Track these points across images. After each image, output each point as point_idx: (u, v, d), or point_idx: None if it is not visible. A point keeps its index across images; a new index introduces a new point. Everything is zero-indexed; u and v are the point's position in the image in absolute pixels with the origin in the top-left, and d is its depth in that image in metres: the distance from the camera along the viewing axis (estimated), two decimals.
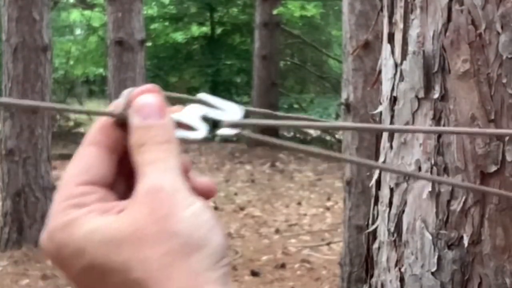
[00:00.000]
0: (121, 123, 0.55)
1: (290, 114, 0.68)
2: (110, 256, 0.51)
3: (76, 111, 0.61)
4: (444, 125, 0.84)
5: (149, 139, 0.53)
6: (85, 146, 0.55)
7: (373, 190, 1.17)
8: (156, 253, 0.50)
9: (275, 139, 0.58)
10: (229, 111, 0.57)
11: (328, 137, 13.16)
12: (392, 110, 0.90)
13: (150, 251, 0.50)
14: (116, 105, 0.55)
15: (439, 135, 0.83)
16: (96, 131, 0.56)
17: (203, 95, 0.58)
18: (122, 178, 0.56)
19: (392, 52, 0.91)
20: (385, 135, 0.92)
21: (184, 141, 0.56)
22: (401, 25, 0.89)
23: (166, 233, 0.51)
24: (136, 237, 0.51)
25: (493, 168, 0.80)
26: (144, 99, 0.55)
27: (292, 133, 13.36)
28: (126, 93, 0.56)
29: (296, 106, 14.38)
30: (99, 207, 0.53)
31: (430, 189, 0.83)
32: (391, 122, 0.89)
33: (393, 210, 1.00)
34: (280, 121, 0.66)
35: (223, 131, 0.56)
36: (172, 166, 0.53)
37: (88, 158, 0.55)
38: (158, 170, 0.52)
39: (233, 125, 0.57)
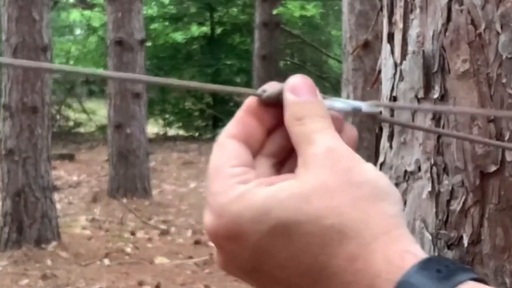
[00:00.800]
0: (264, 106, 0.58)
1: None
2: (300, 208, 0.50)
3: (218, 89, 0.64)
4: (443, 125, 0.84)
5: (309, 112, 0.55)
6: (226, 137, 0.57)
7: None
8: (347, 200, 0.51)
9: (407, 123, 0.60)
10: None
11: None
12: (392, 110, 0.90)
13: (340, 198, 0.51)
14: (264, 88, 0.58)
15: (439, 135, 0.83)
16: (242, 115, 0.58)
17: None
18: (263, 160, 0.57)
19: (392, 52, 0.91)
20: (384, 135, 0.93)
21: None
22: (400, 25, 0.89)
23: (353, 183, 0.52)
24: (323, 189, 0.51)
25: (493, 168, 0.80)
26: (296, 79, 0.57)
27: None
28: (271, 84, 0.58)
29: None
30: (264, 181, 0.53)
31: (430, 189, 0.84)
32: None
33: None
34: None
35: (366, 108, 0.61)
36: (337, 135, 0.55)
37: (233, 146, 0.56)
38: (328, 135, 0.54)
39: (375, 105, 0.61)
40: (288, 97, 0.56)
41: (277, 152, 0.58)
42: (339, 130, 0.57)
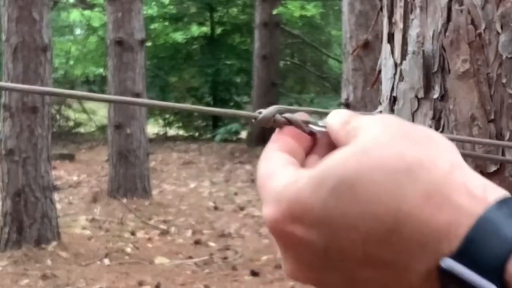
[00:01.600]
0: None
1: None
2: (358, 162, 0.48)
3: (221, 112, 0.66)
4: (443, 125, 0.84)
5: (354, 116, 0.55)
6: (270, 151, 0.57)
7: None
8: (406, 145, 0.49)
9: None
10: None
11: None
12: (391, 110, 0.90)
13: (399, 145, 0.49)
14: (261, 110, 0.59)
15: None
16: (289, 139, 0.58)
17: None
18: None
19: (392, 52, 0.91)
20: None
21: None
22: (400, 25, 0.89)
23: (407, 132, 0.50)
24: (378, 140, 0.49)
25: (493, 168, 0.80)
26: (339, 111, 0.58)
27: None
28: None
29: (296, 106, 14.37)
30: None
31: None
32: None
33: None
34: None
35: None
36: None
37: (279, 155, 0.56)
38: (372, 125, 0.53)
39: None
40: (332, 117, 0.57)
41: None
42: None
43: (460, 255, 0.45)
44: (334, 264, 0.49)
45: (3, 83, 0.46)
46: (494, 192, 0.47)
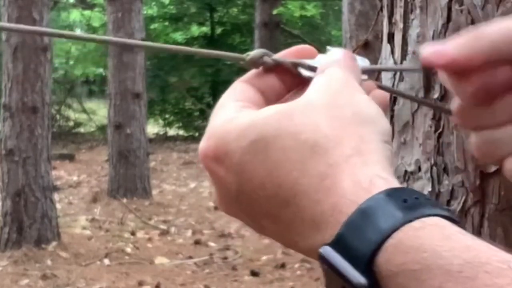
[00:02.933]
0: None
1: None
2: (280, 123, 0.50)
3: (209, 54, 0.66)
4: (443, 125, 0.84)
5: (332, 64, 0.56)
6: (239, 81, 0.58)
7: None
8: (327, 118, 0.50)
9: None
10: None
11: None
12: (392, 110, 0.90)
13: (320, 115, 0.50)
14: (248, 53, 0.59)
15: (439, 135, 0.83)
16: (253, 75, 0.59)
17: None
18: None
19: (392, 52, 0.91)
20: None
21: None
22: (401, 25, 0.89)
23: (338, 103, 0.51)
24: (307, 107, 0.51)
25: (493, 168, 0.80)
26: (335, 51, 0.59)
27: None
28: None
29: None
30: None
31: (430, 189, 0.84)
32: (391, 122, 0.89)
33: None
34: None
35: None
36: (350, 74, 0.55)
37: (243, 87, 0.57)
38: (337, 68, 0.55)
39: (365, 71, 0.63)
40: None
41: None
42: (368, 91, 0.58)
43: (336, 243, 0.46)
44: (244, 208, 0.52)
45: (4, 24, 0.46)
46: (381, 184, 0.47)
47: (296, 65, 0.59)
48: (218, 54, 0.63)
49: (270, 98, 0.57)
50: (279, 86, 0.58)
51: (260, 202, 0.51)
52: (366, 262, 0.45)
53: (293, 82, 0.59)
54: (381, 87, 0.68)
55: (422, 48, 0.57)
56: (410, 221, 0.45)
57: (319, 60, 0.58)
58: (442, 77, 0.60)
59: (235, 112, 0.53)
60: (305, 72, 0.58)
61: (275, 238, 0.52)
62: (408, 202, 0.46)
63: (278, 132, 0.50)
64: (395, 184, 0.48)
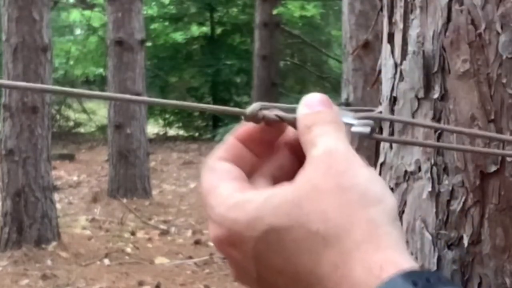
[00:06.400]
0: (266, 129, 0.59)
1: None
2: (290, 214, 0.51)
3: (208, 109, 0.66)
4: (443, 125, 0.84)
5: (319, 120, 0.56)
6: (215, 160, 0.58)
7: None
8: (335, 204, 0.51)
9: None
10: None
11: None
12: (392, 110, 0.90)
13: (328, 202, 0.51)
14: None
15: (439, 135, 0.83)
16: (243, 131, 0.59)
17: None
18: (259, 179, 0.58)
19: (392, 52, 0.91)
20: (385, 135, 0.92)
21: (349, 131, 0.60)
22: (401, 25, 0.89)
23: (344, 186, 0.51)
24: (314, 193, 0.51)
25: (493, 168, 0.80)
26: (310, 95, 0.59)
27: None
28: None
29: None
30: (262, 190, 0.55)
31: (430, 189, 0.84)
32: (391, 122, 0.89)
33: None
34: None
35: (358, 126, 0.61)
36: (343, 138, 0.55)
37: (223, 166, 0.57)
38: (331, 138, 0.55)
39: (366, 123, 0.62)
40: (300, 110, 0.57)
41: (274, 172, 0.59)
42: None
43: None
44: (265, 287, 0.54)
45: (4, 81, 0.46)
46: (391, 268, 0.49)
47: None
48: (217, 109, 0.64)
49: (245, 168, 0.58)
50: (249, 154, 0.59)
51: (280, 286, 0.52)
52: None
53: (261, 147, 0.59)
54: (373, 138, 0.66)
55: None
56: None
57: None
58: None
59: (236, 194, 0.54)
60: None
61: None
62: (417, 286, 0.47)
63: (289, 224, 0.51)
64: (407, 265, 0.49)
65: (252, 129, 0.59)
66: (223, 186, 0.55)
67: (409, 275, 0.48)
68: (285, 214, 0.51)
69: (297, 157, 0.59)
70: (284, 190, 0.52)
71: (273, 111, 0.59)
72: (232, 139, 0.59)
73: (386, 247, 0.50)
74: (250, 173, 0.58)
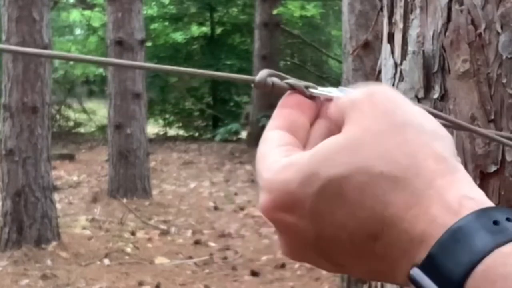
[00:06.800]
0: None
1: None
2: (347, 162, 0.48)
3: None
4: (443, 125, 0.84)
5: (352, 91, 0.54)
6: (268, 130, 0.56)
7: None
8: (394, 144, 0.48)
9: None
10: None
11: None
12: None
13: (387, 143, 0.48)
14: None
15: None
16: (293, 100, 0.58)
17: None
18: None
19: (392, 52, 0.91)
20: None
21: None
22: (401, 25, 0.89)
23: (398, 124, 0.49)
24: (368, 136, 0.49)
25: (493, 168, 0.80)
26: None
27: None
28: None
29: None
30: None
31: None
32: None
33: None
34: None
35: None
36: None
37: (276, 134, 0.55)
38: (367, 87, 0.52)
39: None
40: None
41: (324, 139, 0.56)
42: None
43: (426, 266, 0.46)
44: (322, 251, 0.51)
45: (3, 46, 0.46)
46: (471, 204, 0.47)
47: (308, 87, 0.58)
48: (226, 76, 0.64)
49: (299, 134, 0.56)
50: (303, 119, 0.57)
51: (343, 243, 0.49)
52: (457, 286, 0.44)
53: (311, 111, 0.57)
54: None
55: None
56: (500, 245, 0.44)
57: (328, 90, 0.58)
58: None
59: (284, 158, 0.52)
60: (316, 92, 0.58)
61: (360, 275, 0.52)
62: (499, 225, 0.45)
63: (348, 172, 0.48)
64: (485, 203, 0.47)
65: (299, 97, 0.57)
66: (271, 153, 0.53)
67: (489, 213, 0.46)
68: (342, 163, 0.48)
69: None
70: (334, 140, 0.50)
71: (284, 80, 0.58)
72: (279, 108, 0.57)
73: (460, 182, 0.48)
74: (305, 139, 0.56)
